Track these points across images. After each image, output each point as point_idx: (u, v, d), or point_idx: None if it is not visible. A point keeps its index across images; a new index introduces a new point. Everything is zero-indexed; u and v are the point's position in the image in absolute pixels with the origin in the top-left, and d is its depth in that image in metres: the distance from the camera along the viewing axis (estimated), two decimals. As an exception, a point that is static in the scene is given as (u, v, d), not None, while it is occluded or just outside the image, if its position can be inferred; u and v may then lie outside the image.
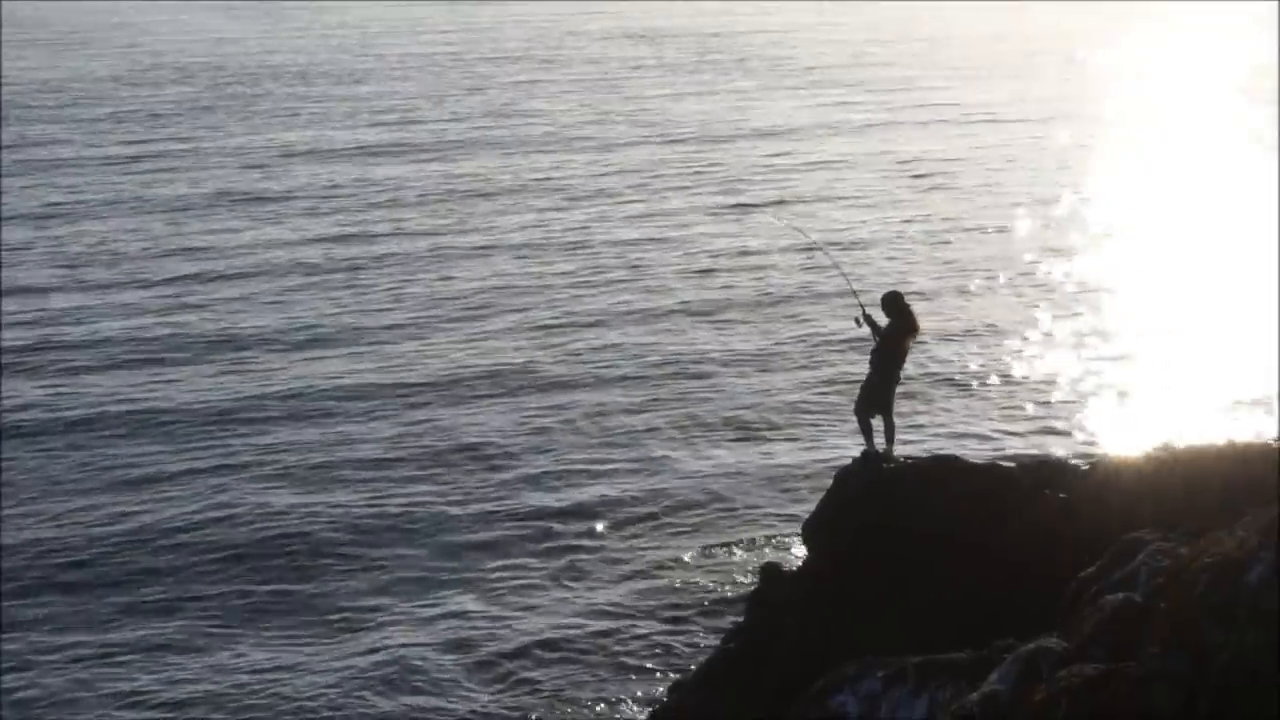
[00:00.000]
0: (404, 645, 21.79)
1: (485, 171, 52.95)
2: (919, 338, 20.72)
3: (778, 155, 55.50)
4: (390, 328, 36.02)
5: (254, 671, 21.17)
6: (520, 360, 33.66)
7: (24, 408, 31.31)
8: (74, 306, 38.28)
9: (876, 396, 20.57)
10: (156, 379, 33.10)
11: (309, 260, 42.07)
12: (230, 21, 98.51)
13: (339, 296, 38.71)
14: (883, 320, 20.04)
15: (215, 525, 25.59)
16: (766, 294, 38.33)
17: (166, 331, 35.98)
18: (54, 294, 39.42)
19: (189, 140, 59.36)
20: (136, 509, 26.50)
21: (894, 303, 20.17)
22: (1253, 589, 13.35)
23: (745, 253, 42.34)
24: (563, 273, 40.68)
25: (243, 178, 52.48)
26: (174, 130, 61.49)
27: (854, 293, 21.30)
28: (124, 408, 31.27)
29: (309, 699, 20.53)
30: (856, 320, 20.32)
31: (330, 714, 20.14)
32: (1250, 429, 23.12)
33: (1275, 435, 20.40)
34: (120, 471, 28.11)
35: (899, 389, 20.91)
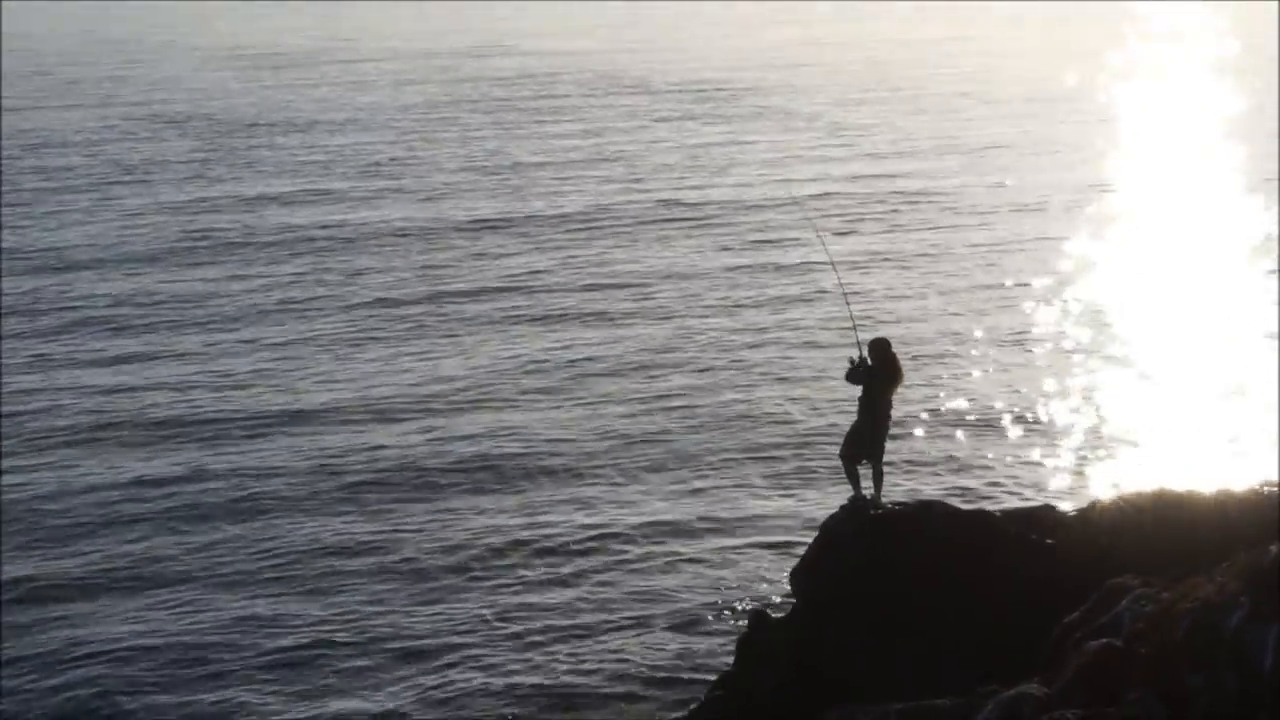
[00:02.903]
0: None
1: (481, 206, 53.28)
2: (903, 385, 20.82)
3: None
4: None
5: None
6: (512, 387, 34.06)
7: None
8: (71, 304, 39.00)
9: (863, 441, 20.66)
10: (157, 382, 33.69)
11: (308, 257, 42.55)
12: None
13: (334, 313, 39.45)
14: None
15: (226, 546, 25.87)
16: (763, 330, 38.53)
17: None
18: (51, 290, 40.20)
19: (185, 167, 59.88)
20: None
21: (880, 350, 20.32)
22: (1232, 634, 13.44)
23: (753, 291, 42.62)
24: (566, 305, 41.05)
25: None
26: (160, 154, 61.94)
27: (854, 327, 21.43)
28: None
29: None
30: (850, 359, 20.46)
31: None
32: (1239, 473, 23.14)
33: (1261, 481, 20.44)
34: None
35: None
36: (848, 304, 22.02)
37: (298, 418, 32.43)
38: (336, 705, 20.77)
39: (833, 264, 25.94)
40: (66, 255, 47.57)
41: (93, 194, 57.50)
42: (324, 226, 51.64)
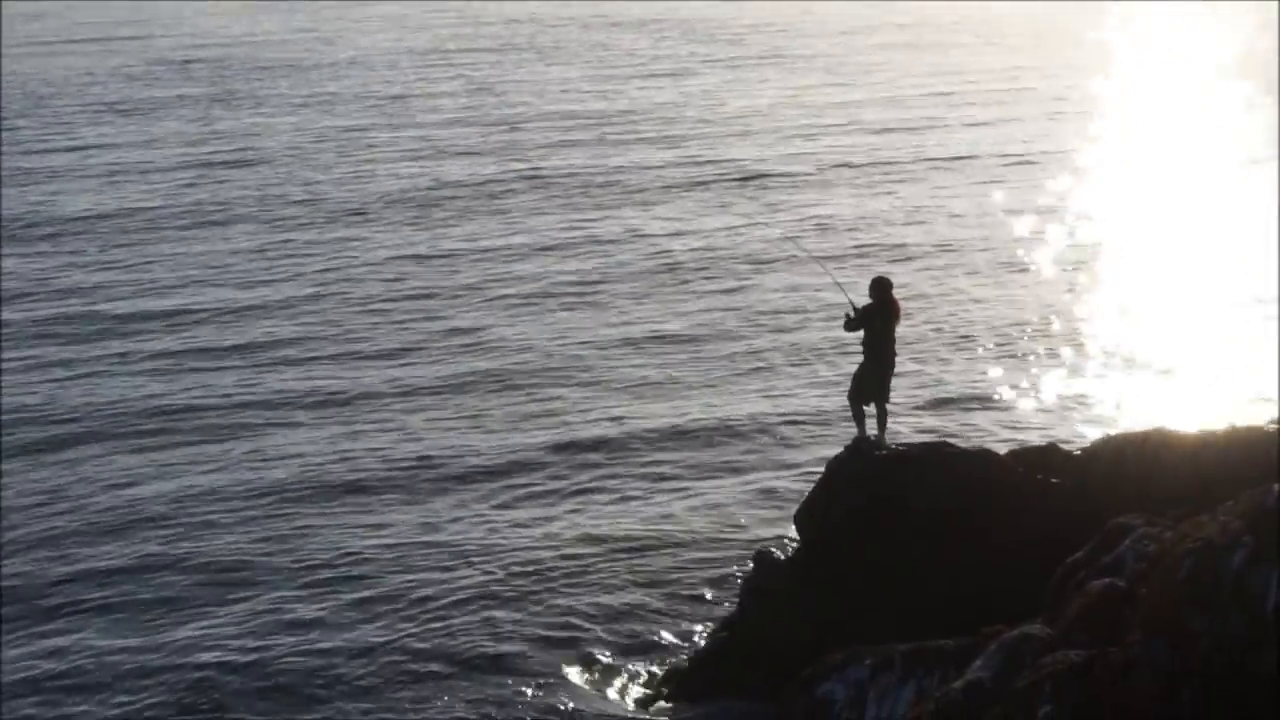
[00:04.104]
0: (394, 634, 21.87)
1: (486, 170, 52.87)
2: (906, 324, 20.78)
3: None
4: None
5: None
6: (511, 360, 33.68)
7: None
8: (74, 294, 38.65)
9: (869, 383, 20.65)
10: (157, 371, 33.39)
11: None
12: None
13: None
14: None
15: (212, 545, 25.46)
16: (757, 291, 38.26)
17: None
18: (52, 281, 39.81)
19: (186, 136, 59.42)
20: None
21: (881, 288, 20.27)
22: (1235, 574, 13.41)
23: (731, 249, 42.28)
24: (569, 272, 40.73)
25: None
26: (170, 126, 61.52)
27: (841, 288, 21.44)
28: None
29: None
30: (847, 315, 20.43)
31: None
32: (1242, 413, 23.07)
33: (1266, 419, 20.39)
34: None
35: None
36: (828, 272, 21.90)
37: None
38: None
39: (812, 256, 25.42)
40: (60, 206, 47.45)
41: (89, 147, 57.23)
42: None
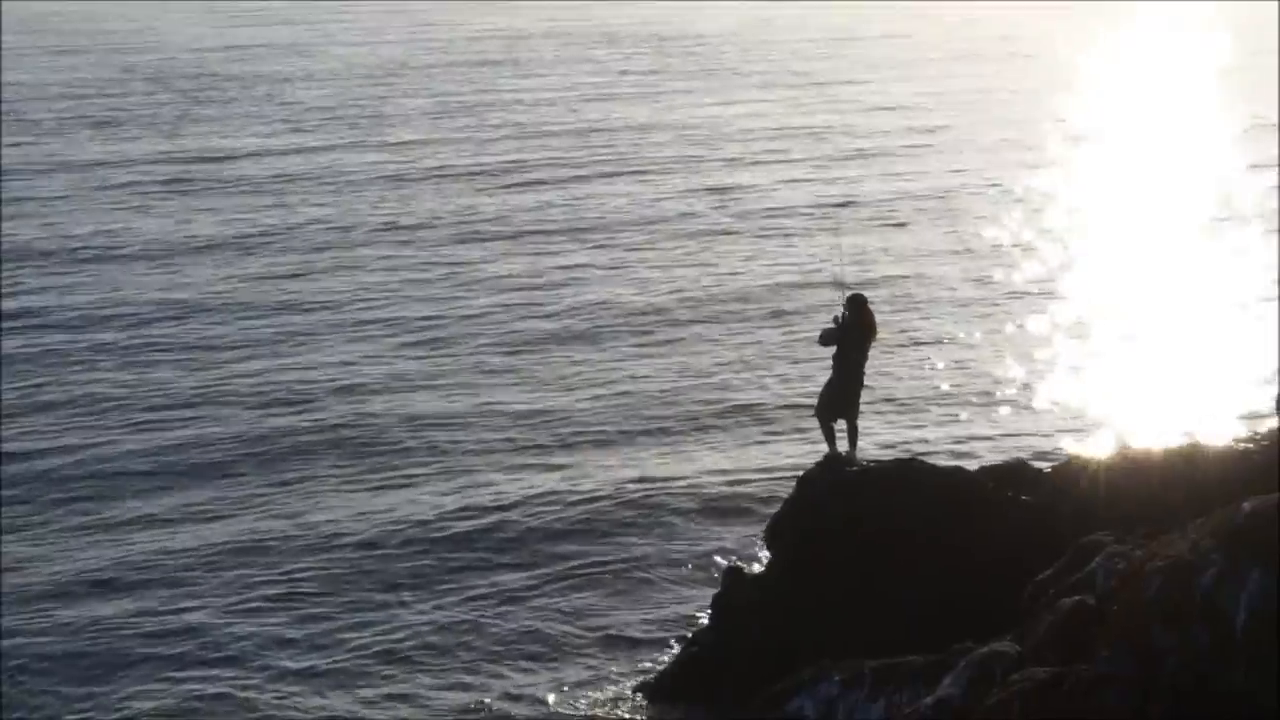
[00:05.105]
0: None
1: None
2: (877, 340, 20.79)
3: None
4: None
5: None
6: (493, 362, 33.74)
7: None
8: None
9: (838, 399, 20.65)
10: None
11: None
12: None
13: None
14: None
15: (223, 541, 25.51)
16: (735, 294, 38.39)
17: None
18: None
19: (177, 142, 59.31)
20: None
21: (856, 306, 20.30)
22: (1205, 592, 13.43)
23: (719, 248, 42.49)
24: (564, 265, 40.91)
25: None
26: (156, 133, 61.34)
27: (843, 287, 21.42)
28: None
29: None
30: (826, 329, 20.45)
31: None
32: (1213, 431, 23.17)
33: (1233, 437, 20.47)
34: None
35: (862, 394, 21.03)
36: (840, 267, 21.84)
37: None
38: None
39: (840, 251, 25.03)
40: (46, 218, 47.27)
41: (67, 148, 57.10)
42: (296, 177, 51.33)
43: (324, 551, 24.57)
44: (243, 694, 20.42)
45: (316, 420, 30.14)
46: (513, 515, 25.76)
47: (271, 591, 23.31)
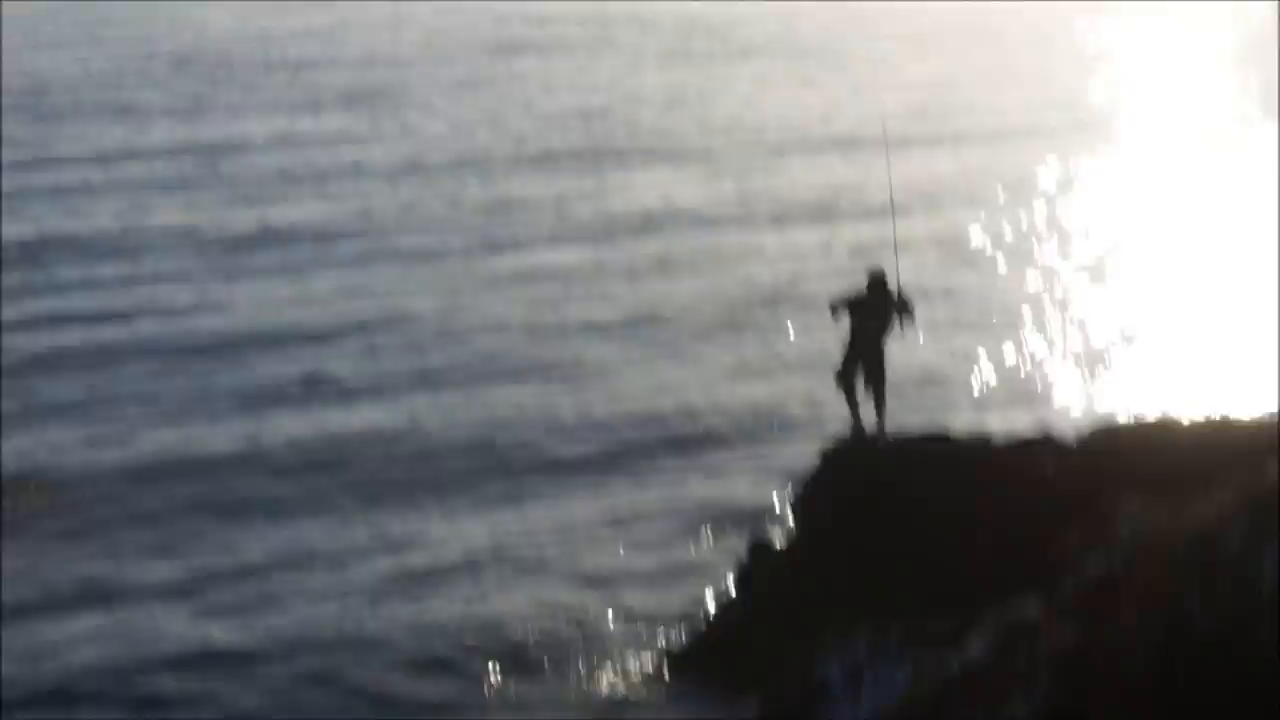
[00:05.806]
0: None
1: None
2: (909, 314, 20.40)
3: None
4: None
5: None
6: (511, 349, 33.61)
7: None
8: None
9: (849, 370, 20.27)
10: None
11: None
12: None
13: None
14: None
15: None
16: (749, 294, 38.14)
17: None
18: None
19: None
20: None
21: (868, 281, 20.11)
22: (1232, 555, 13.41)
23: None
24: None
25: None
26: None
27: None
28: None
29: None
30: (836, 301, 20.23)
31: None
32: (1240, 400, 23.11)
33: (1263, 410, 20.40)
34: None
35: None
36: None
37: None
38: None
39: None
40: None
41: (86, 136, 57.23)
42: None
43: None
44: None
45: (330, 420, 29.94)
46: (528, 484, 25.82)
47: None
